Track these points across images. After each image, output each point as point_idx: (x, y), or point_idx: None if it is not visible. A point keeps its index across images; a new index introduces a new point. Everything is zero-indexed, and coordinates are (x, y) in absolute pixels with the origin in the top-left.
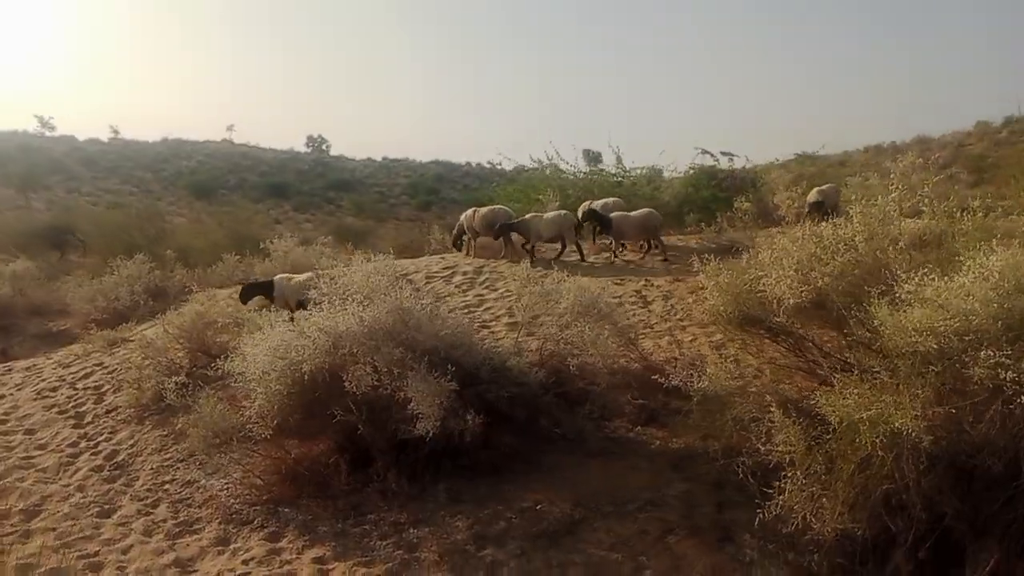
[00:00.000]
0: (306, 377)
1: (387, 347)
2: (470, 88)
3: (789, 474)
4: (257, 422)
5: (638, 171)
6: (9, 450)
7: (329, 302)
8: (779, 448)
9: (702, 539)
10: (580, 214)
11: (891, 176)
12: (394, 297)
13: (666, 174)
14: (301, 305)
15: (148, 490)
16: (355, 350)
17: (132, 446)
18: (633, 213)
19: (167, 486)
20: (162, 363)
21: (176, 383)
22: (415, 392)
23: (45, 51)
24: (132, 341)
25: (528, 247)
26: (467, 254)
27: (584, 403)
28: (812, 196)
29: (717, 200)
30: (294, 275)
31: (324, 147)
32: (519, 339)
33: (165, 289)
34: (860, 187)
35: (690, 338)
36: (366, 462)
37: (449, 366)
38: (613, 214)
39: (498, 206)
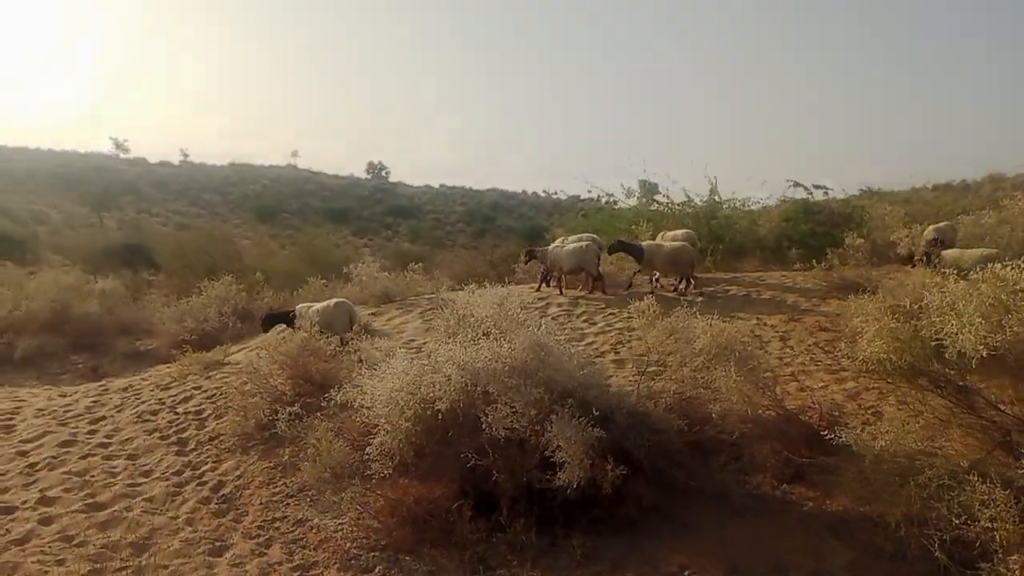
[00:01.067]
0: (440, 415)
1: (527, 387)
2: (530, 118)
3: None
4: (378, 459)
5: (728, 203)
6: (113, 476)
7: (454, 336)
8: (984, 524)
9: None
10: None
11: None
12: (532, 331)
13: (752, 206)
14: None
15: (259, 527)
16: (492, 389)
17: (239, 477)
18: (666, 245)
19: (278, 524)
20: (266, 391)
21: (290, 413)
22: (561, 438)
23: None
24: (227, 364)
25: (547, 277)
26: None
27: (718, 454)
28: (929, 234)
29: (815, 235)
30: (313, 303)
31: (384, 173)
32: (645, 381)
33: (252, 312)
34: (974, 224)
35: (820, 385)
36: (490, 509)
37: (593, 410)
38: (644, 244)
39: (586, 237)
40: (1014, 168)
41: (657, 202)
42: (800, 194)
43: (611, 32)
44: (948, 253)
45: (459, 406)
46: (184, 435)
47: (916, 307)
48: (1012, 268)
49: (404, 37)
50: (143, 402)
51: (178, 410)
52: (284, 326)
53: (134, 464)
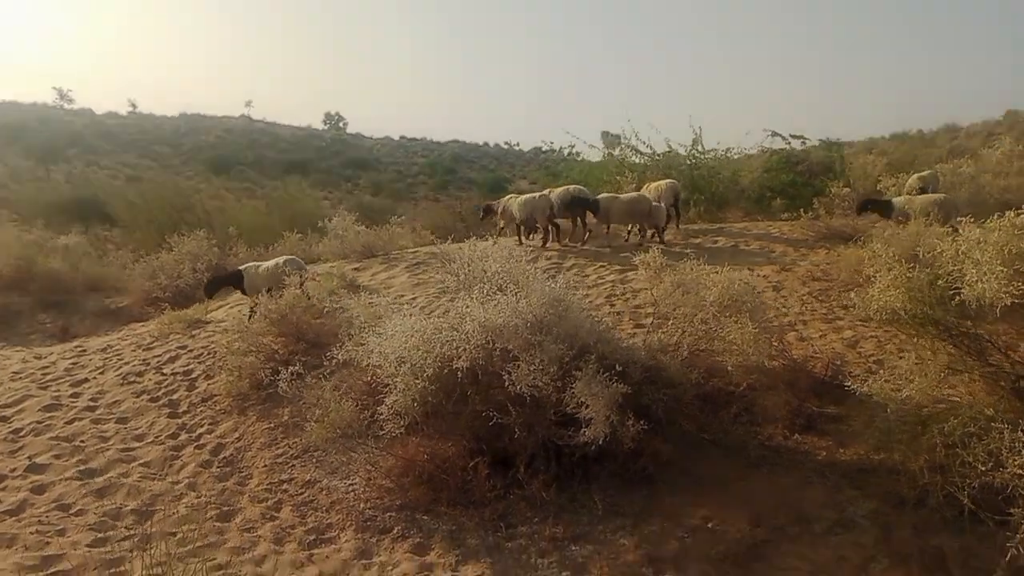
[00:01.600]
0: (460, 374)
1: (547, 343)
2: (492, 69)
3: None
4: (390, 419)
5: (710, 154)
6: (105, 440)
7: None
8: (1014, 471)
9: (908, 570)
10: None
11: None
12: (550, 285)
13: (734, 155)
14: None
15: (266, 490)
16: (512, 345)
17: (238, 439)
18: (622, 196)
19: (286, 486)
20: (259, 349)
21: (291, 372)
22: (587, 394)
23: (64, 27)
24: (209, 323)
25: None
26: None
27: (728, 406)
28: (913, 182)
29: (796, 185)
30: (261, 263)
31: (342, 125)
32: (652, 334)
33: (225, 268)
34: (953, 173)
35: (818, 334)
36: (506, 466)
37: (617, 366)
38: (601, 196)
39: (573, 185)
40: (968, 118)
41: (640, 152)
42: (779, 144)
43: None
44: (897, 200)
45: (478, 364)
46: (175, 397)
47: (929, 256)
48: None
49: None
50: (126, 363)
51: (165, 371)
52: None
53: (125, 428)
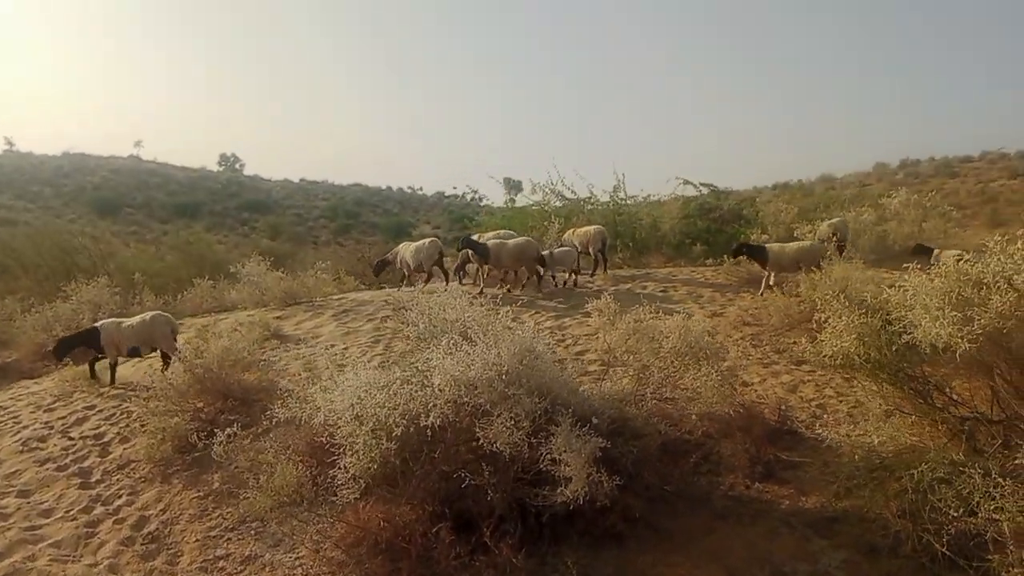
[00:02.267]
0: (429, 432)
1: (522, 396)
2: (393, 112)
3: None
4: (346, 484)
5: (631, 200)
6: (5, 518)
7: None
8: (987, 516)
9: None
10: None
11: (889, 210)
12: (520, 335)
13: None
14: (134, 353)
15: (201, 569)
16: (485, 400)
17: (163, 511)
18: (510, 242)
19: (222, 563)
20: (184, 409)
21: (228, 434)
22: (565, 451)
23: None
24: (117, 378)
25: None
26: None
27: (686, 455)
28: (824, 230)
29: (712, 232)
30: (123, 319)
31: (238, 166)
32: (617, 383)
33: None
34: (855, 221)
35: (757, 379)
36: (468, 530)
37: (593, 419)
38: (490, 242)
39: (503, 234)
40: (842, 170)
41: (564, 197)
42: (691, 191)
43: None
44: (771, 247)
45: (447, 420)
46: (85, 464)
47: (875, 301)
48: (971, 263)
49: (264, 19)
50: (24, 426)
51: (72, 434)
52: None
53: (28, 502)
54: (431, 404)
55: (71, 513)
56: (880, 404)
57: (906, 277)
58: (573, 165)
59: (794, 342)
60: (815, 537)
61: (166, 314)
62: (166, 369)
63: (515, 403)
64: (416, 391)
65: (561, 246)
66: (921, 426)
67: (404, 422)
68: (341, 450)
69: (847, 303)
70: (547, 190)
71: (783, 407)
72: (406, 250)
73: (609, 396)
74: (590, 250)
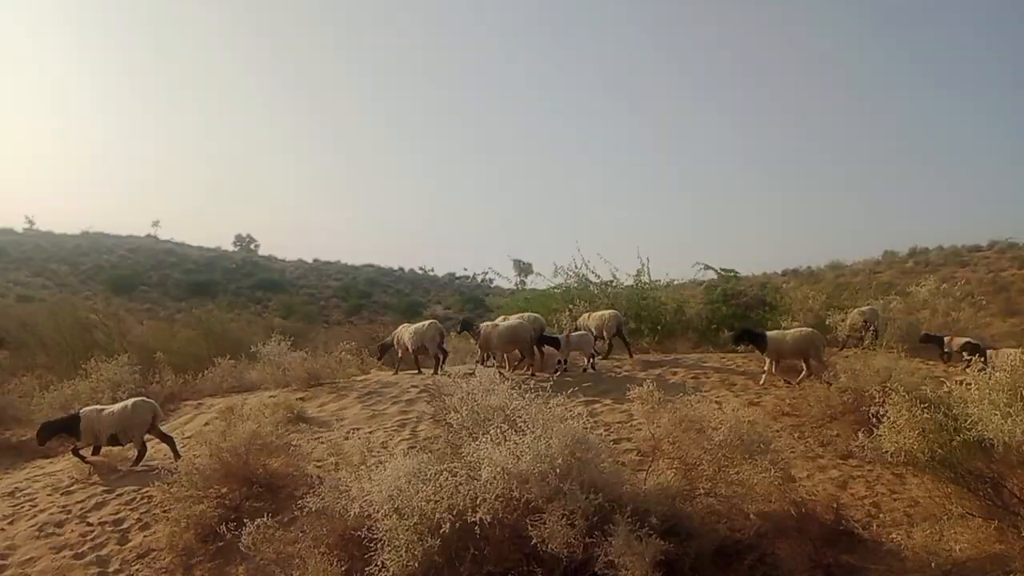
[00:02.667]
0: (477, 529)
1: (576, 492)
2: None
3: None
4: None
5: (654, 285)
6: None
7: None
8: None
9: None
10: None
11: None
12: (571, 424)
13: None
14: (114, 440)
15: None
16: (534, 496)
17: None
18: (502, 325)
19: None
20: (208, 495)
21: (259, 524)
22: (625, 554)
23: None
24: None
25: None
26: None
27: (740, 556)
28: (855, 318)
29: (738, 318)
30: (105, 406)
31: (253, 246)
32: (664, 477)
33: (151, 395)
34: (884, 309)
35: (804, 474)
36: None
37: (652, 518)
38: (483, 324)
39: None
40: (851, 257)
41: (587, 280)
42: (711, 275)
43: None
44: (772, 334)
45: (496, 516)
46: (104, 552)
47: (936, 396)
48: None
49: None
50: (41, 510)
51: (90, 520)
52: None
53: None
54: (480, 499)
55: None
56: (953, 506)
57: (965, 371)
58: (594, 247)
59: (837, 434)
60: None
61: (150, 401)
62: (177, 458)
63: (569, 499)
64: (461, 484)
65: (576, 330)
66: (988, 528)
67: (450, 517)
68: (379, 545)
69: (907, 397)
70: (571, 272)
71: (836, 505)
72: (404, 332)
73: (661, 492)
74: (604, 334)
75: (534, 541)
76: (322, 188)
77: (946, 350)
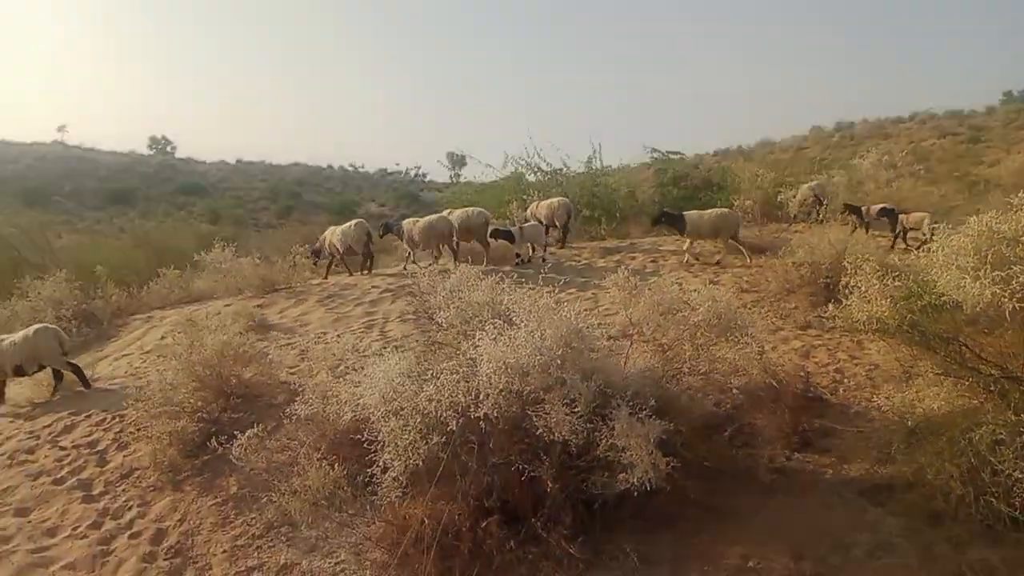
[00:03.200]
0: (482, 424)
1: (577, 382)
2: (329, 86)
3: None
4: (389, 484)
5: (605, 171)
6: (6, 541)
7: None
8: None
9: None
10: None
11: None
12: (565, 316)
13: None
14: (20, 371)
15: None
16: (533, 388)
17: (181, 521)
18: (421, 221)
19: (256, 575)
20: (186, 409)
21: (250, 435)
22: (628, 436)
23: None
24: (97, 379)
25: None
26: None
27: (718, 429)
28: (805, 192)
29: (688, 200)
30: (5, 336)
31: (170, 149)
32: (648, 358)
33: (94, 314)
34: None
35: (769, 347)
36: (515, 522)
37: (651, 400)
38: (404, 222)
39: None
40: (780, 134)
41: (541, 170)
42: (659, 158)
43: None
44: (689, 215)
45: (499, 411)
46: (84, 475)
47: (904, 265)
48: (1004, 222)
49: None
50: (8, 438)
51: (62, 443)
52: None
53: (29, 521)
54: (483, 394)
55: (79, 530)
56: (925, 367)
57: (934, 239)
58: (537, 134)
59: (795, 307)
60: (869, 506)
61: (52, 327)
62: (56, 389)
63: (571, 387)
64: (461, 381)
65: (527, 221)
66: (959, 387)
67: (455, 415)
68: (380, 446)
69: (877, 267)
70: (522, 163)
71: (803, 374)
72: (332, 235)
73: (647, 374)
74: (555, 222)
75: (539, 431)
76: (242, 83)
77: (865, 219)
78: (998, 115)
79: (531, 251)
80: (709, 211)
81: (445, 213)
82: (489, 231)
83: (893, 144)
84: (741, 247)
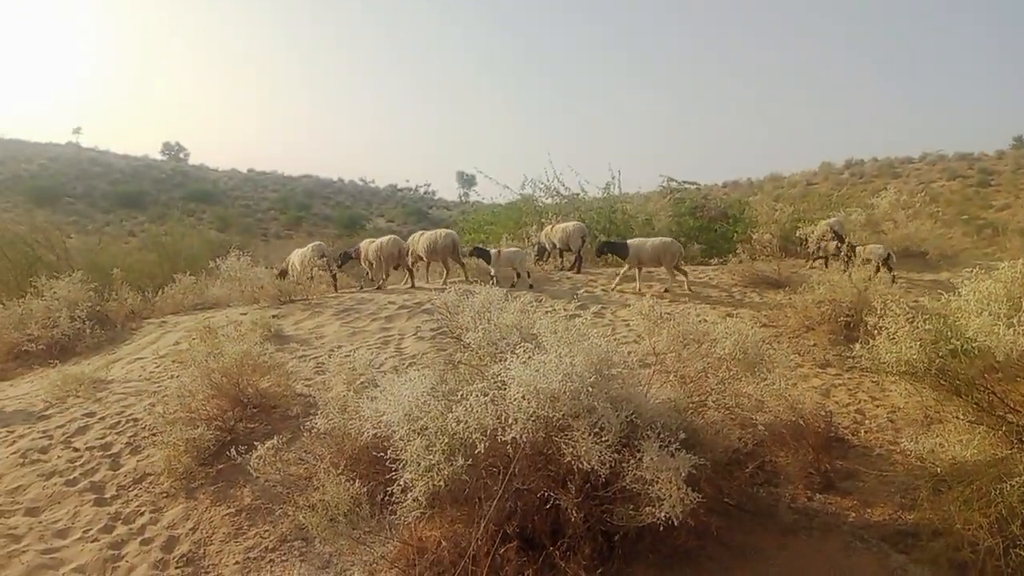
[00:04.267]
0: (511, 449)
1: (607, 409)
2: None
3: None
4: (409, 504)
5: (623, 198)
6: (17, 540)
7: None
8: None
9: None
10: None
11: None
12: (596, 342)
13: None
14: None
15: None
16: (564, 412)
17: (193, 530)
18: (376, 241)
19: None
20: (204, 417)
21: (270, 446)
22: (658, 469)
23: None
24: (112, 382)
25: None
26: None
27: (740, 466)
28: (823, 229)
29: (704, 230)
30: None
31: (182, 155)
32: (668, 391)
33: (108, 316)
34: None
35: (788, 383)
36: (531, 548)
37: (680, 433)
38: (363, 242)
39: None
40: (789, 169)
41: (560, 194)
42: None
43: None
44: (632, 242)
45: (527, 435)
46: (96, 478)
47: (934, 308)
48: None
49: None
50: (20, 436)
51: (76, 445)
52: None
53: (40, 521)
54: (512, 418)
55: (90, 533)
56: (957, 414)
57: (964, 281)
58: (548, 160)
59: (815, 344)
60: (893, 552)
61: None
62: None
63: (600, 416)
64: (489, 404)
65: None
66: (993, 436)
67: (482, 438)
68: (402, 465)
69: (907, 308)
70: (541, 186)
71: (825, 413)
72: (295, 257)
73: (672, 406)
74: (570, 246)
75: (567, 458)
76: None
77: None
78: (1008, 159)
79: (515, 276)
80: (652, 239)
81: (416, 235)
82: (471, 249)
83: (903, 183)
84: (682, 274)
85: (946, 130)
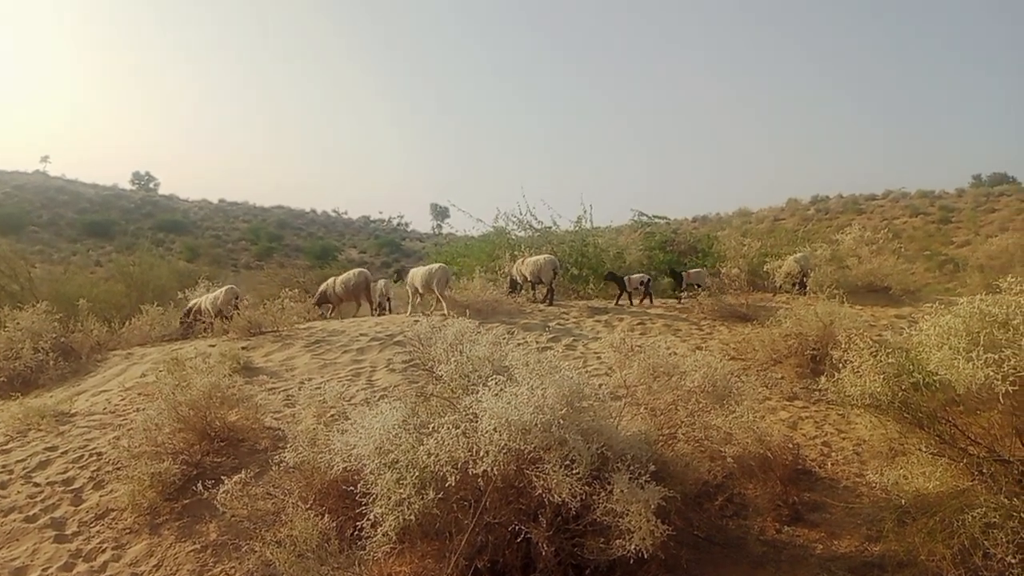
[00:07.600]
0: (482, 482)
1: (577, 442)
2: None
3: None
4: (378, 539)
5: (595, 232)
6: None
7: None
8: None
9: None
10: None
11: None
12: (566, 374)
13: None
14: None
15: None
16: (535, 444)
17: (157, 567)
18: (342, 278)
19: None
20: (169, 451)
21: (238, 480)
22: (627, 501)
23: None
24: (76, 415)
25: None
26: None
27: (709, 498)
28: (791, 265)
29: (673, 263)
30: None
31: (152, 185)
32: (639, 423)
33: (72, 347)
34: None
35: (756, 415)
36: None
37: (651, 465)
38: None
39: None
40: (757, 205)
41: (532, 227)
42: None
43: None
44: (413, 270)
45: (499, 468)
46: (57, 514)
47: (896, 343)
48: (995, 304)
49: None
50: None
51: (36, 479)
52: None
53: None
54: (484, 451)
55: (50, 571)
56: (920, 446)
57: (925, 316)
58: (527, 192)
59: (782, 377)
60: None
61: None
62: None
63: (572, 448)
64: (461, 436)
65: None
66: (955, 467)
67: (453, 471)
68: (372, 499)
69: (871, 342)
70: (513, 219)
71: (792, 445)
72: (205, 300)
73: (642, 438)
74: (541, 279)
75: (537, 491)
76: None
77: (627, 288)
78: (968, 197)
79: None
80: (424, 267)
81: (330, 280)
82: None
83: (867, 220)
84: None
85: (909, 168)
